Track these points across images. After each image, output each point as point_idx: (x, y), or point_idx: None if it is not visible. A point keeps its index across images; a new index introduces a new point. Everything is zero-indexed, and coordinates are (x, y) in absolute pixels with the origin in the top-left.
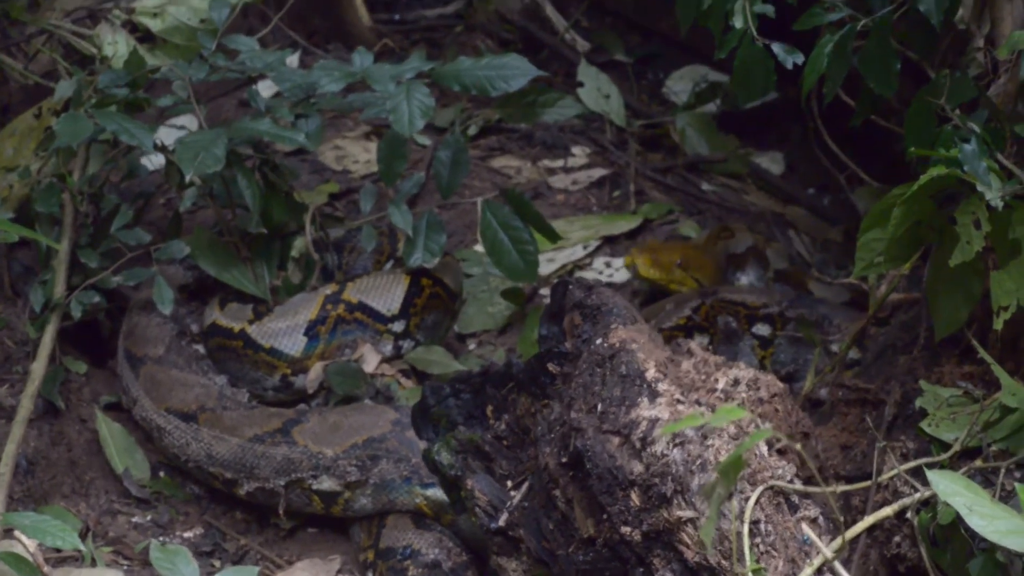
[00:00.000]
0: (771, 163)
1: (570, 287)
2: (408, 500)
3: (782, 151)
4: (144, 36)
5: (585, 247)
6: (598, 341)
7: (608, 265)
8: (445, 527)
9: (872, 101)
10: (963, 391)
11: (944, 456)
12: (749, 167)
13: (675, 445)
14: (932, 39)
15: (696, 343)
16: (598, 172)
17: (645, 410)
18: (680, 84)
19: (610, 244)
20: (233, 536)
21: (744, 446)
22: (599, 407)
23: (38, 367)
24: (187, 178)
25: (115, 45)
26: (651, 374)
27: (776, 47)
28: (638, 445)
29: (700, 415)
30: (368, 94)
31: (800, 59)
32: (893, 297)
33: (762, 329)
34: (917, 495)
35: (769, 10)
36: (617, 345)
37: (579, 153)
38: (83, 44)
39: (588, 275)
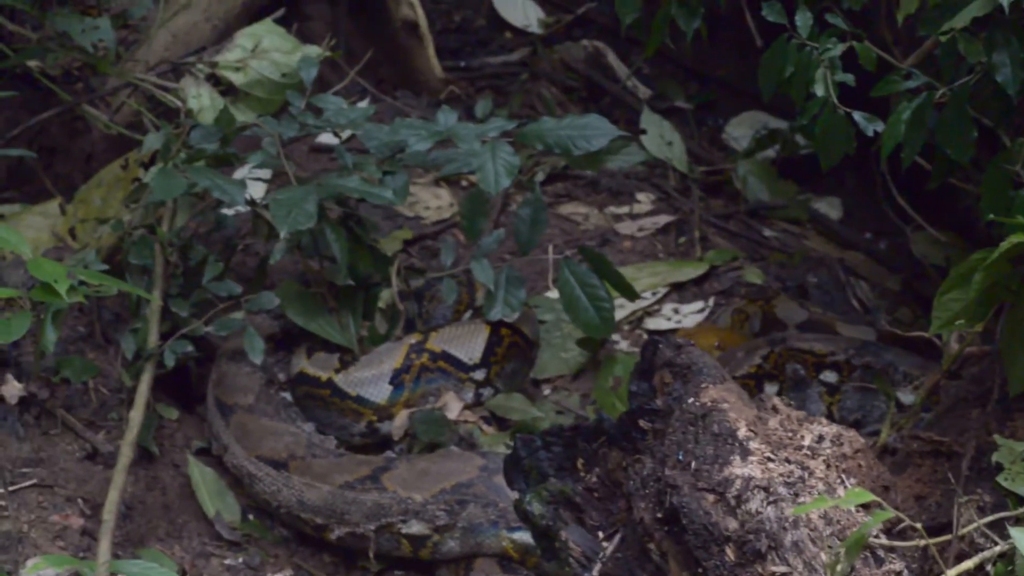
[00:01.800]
0: (829, 208)
1: (660, 346)
2: (495, 543)
3: (839, 196)
4: (227, 89)
5: (654, 294)
6: (690, 400)
7: (676, 312)
8: (530, 570)
9: (948, 165)
10: None
11: (1022, 510)
12: (808, 213)
13: (769, 503)
14: (1008, 108)
15: (771, 394)
16: (663, 219)
17: (738, 468)
18: (739, 130)
19: (678, 291)
20: None
21: (866, 527)
22: (693, 464)
23: (136, 415)
24: (282, 235)
25: (199, 98)
26: (742, 433)
27: (857, 115)
28: (733, 502)
29: (825, 497)
30: (451, 151)
31: (880, 127)
32: (968, 352)
33: (829, 376)
34: (997, 548)
35: (849, 79)
36: (709, 404)
37: (644, 199)
38: (167, 97)
39: (657, 321)
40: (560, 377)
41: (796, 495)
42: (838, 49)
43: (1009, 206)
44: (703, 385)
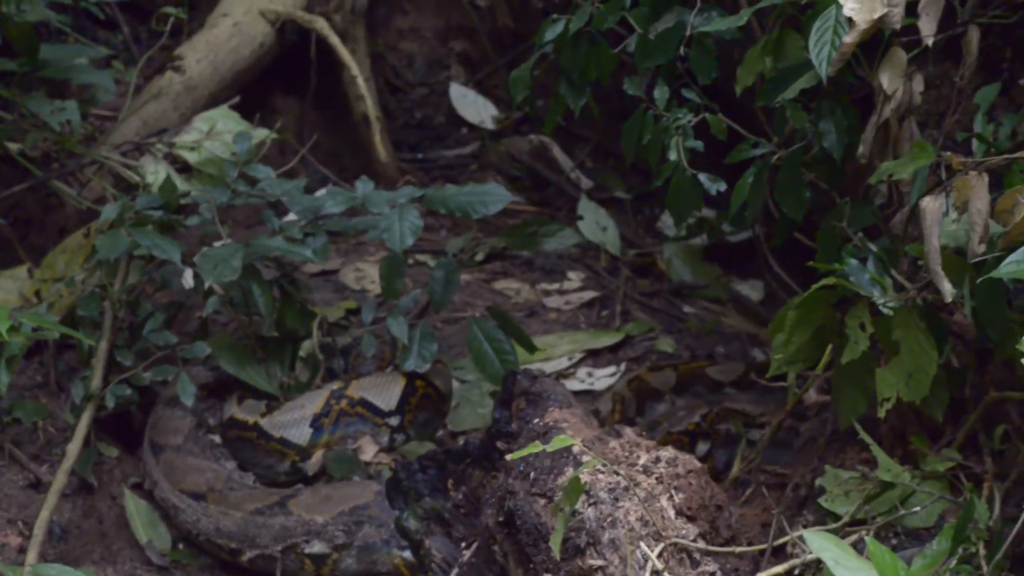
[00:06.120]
0: (751, 290)
1: (518, 377)
2: (388, 560)
3: (762, 280)
4: (183, 167)
5: (570, 359)
6: (535, 420)
7: (589, 375)
8: None
9: (789, 224)
10: (860, 473)
11: (835, 526)
12: (730, 293)
13: (590, 505)
14: (835, 170)
15: (625, 427)
16: (589, 294)
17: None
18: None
19: (593, 357)
20: None
21: (581, 469)
22: (532, 475)
23: (73, 447)
24: (206, 285)
25: (156, 175)
26: (577, 448)
27: (703, 177)
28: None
29: (537, 444)
30: (369, 217)
31: (723, 187)
32: (819, 398)
33: (755, 435)
34: (805, 556)
35: (699, 145)
36: (551, 424)
37: (574, 277)
38: (129, 173)
39: (571, 383)
40: (476, 429)
41: (616, 499)
42: (688, 119)
43: (838, 258)
44: (549, 408)
